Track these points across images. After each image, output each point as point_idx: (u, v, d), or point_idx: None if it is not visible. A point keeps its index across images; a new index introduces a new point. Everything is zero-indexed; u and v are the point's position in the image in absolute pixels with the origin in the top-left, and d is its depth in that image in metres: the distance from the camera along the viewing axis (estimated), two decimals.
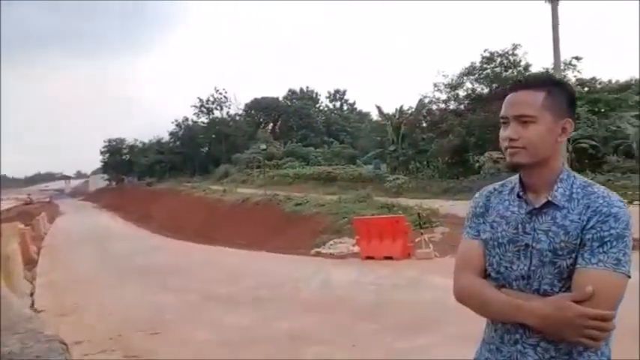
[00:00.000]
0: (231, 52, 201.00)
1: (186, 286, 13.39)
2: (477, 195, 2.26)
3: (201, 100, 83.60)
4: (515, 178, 2.12)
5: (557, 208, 1.95)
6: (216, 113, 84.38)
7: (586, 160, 27.95)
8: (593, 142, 28.60)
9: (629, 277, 1.86)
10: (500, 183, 2.21)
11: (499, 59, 36.13)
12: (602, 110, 32.77)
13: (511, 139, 1.99)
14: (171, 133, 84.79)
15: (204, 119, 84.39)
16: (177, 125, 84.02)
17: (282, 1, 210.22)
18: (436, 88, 38.47)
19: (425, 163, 41.15)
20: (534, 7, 44.05)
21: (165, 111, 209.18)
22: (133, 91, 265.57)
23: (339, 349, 7.47)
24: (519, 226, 2.01)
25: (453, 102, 38.59)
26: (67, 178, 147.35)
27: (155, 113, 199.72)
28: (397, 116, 45.15)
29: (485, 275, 2.08)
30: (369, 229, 15.58)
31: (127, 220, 47.67)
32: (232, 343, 8.08)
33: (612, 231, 1.85)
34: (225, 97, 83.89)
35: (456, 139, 34.67)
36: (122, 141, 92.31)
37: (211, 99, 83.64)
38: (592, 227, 1.87)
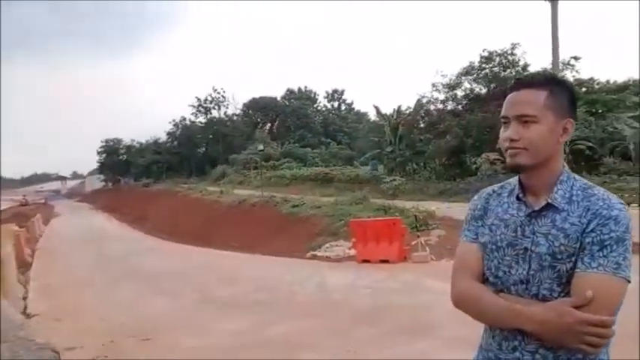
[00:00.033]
0: (230, 51, 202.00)
1: (180, 289, 13.34)
2: (475, 197, 2.22)
3: (199, 99, 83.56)
4: (514, 179, 2.08)
5: (556, 210, 1.91)
6: (214, 113, 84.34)
7: (582, 161, 27.93)
8: (590, 144, 28.56)
9: (629, 281, 1.82)
10: (499, 185, 2.16)
11: (498, 59, 36.10)
12: (600, 111, 32.79)
13: (512, 140, 1.94)
14: (169, 133, 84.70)
15: (201, 119, 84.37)
16: (174, 125, 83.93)
17: (280, 1, 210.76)
18: (434, 88, 38.47)
19: (422, 164, 41.20)
20: (533, 7, 44.08)
21: (163, 111, 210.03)
22: (131, 91, 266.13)
23: (335, 354, 7.39)
24: (518, 229, 1.96)
25: (451, 102, 38.57)
26: (63, 178, 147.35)
27: (153, 113, 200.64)
28: (395, 116, 45.14)
29: (484, 280, 2.03)
30: (365, 231, 15.52)
31: (122, 221, 47.59)
32: (225, 348, 7.98)
33: (612, 234, 1.82)
34: (223, 96, 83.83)
35: (454, 140, 34.63)
36: (119, 141, 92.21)
37: (209, 98, 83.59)
38: (592, 230, 1.84)
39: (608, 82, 38.62)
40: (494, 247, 2.01)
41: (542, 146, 1.91)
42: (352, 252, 16.24)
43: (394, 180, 35.61)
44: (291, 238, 22.46)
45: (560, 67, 27.04)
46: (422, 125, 41.48)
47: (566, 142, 2.04)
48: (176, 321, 10.12)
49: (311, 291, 11.94)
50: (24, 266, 18.45)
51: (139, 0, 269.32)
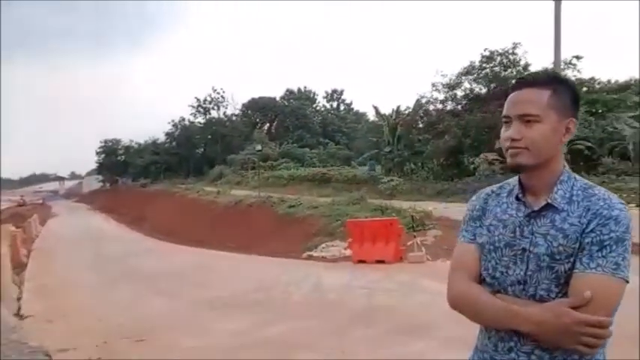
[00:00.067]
0: (230, 52, 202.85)
1: (176, 290, 13.31)
2: (473, 198, 2.20)
3: (198, 99, 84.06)
4: (513, 180, 2.06)
5: (556, 210, 1.89)
6: (213, 113, 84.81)
7: (581, 161, 27.92)
8: (589, 144, 28.55)
9: (628, 281, 1.80)
10: (498, 185, 2.14)
11: (499, 58, 36.09)
12: (600, 111, 32.81)
13: (513, 139, 1.91)
14: (167, 134, 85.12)
15: (200, 119, 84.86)
16: (173, 125, 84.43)
17: (280, 1, 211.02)
18: (434, 88, 38.56)
19: (420, 164, 41.18)
20: (534, 7, 44.10)
21: (162, 111, 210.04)
22: (130, 91, 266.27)
23: (331, 354, 7.36)
24: (517, 229, 1.94)
25: (450, 102, 38.61)
26: (61, 179, 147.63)
27: (152, 113, 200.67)
28: (394, 117, 45.21)
29: (481, 280, 2.01)
30: (362, 231, 15.48)
31: (119, 222, 47.64)
32: (222, 348, 7.94)
33: (612, 234, 1.79)
34: (222, 96, 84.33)
35: (452, 141, 34.69)
36: (118, 141, 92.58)
37: (208, 99, 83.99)
38: (592, 230, 1.81)
39: (609, 81, 38.69)
40: (492, 247, 1.99)
41: (544, 146, 1.89)
42: (348, 252, 16.24)
43: (392, 180, 35.66)
44: (288, 238, 22.50)
45: (562, 67, 26.97)
46: (421, 125, 41.59)
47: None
48: (172, 321, 10.08)
49: (307, 291, 11.91)
50: (19, 267, 18.41)
51: (139, 0, 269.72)
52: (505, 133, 1.94)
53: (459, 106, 37.78)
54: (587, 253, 1.79)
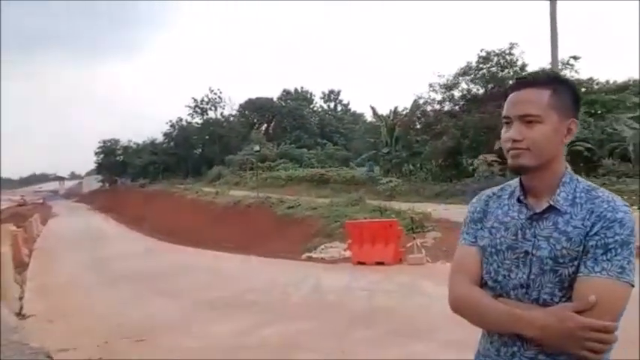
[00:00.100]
0: (226, 52, 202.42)
1: (176, 291, 13.31)
2: (474, 200, 2.17)
3: (195, 100, 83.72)
4: (514, 181, 2.04)
5: (559, 213, 1.86)
6: (211, 114, 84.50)
7: (581, 163, 27.87)
8: (589, 145, 28.48)
9: (633, 286, 1.78)
10: (499, 187, 2.12)
11: (496, 59, 36.01)
12: (599, 112, 32.71)
13: (514, 140, 1.89)
14: (165, 134, 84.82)
15: (198, 120, 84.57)
16: (171, 126, 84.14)
17: (276, 0, 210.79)
18: (431, 89, 38.33)
19: (418, 165, 41.08)
20: (531, 7, 43.97)
21: (160, 112, 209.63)
22: (129, 91, 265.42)
23: (331, 355, 7.38)
24: (519, 232, 1.92)
25: (448, 103, 38.46)
26: (61, 179, 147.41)
27: (150, 114, 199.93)
28: (391, 117, 45.08)
29: (482, 284, 1.99)
30: (361, 232, 15.46)
31: (119, 222, 47.50)
32: (221, 349, 7.96)
33: (617, 237, 1.77)
34: (219, 97, 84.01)
35: (450, 141, 34.57)
36: (116, 142, 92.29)
37: (206, 99, 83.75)
38: (596, 234, 1.79)
39: (607, 82, 38.59)
40: (493, 250, 1.96)
41: (546, 147, 1.87)
42: (347, 253, 16.19)
43: (390, 181, 35.56)
44: (287, 239, 22.45)
45: (560, 67, 26.94)
46: (418, 126, 41.43)
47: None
48: (172, 322, 10.09)
49: (306, 292, 11.91)
50: (21, 266, 18.46)
51: (137, 0, 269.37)
52: (506, 133, 1.93)
53: (457, 107, 37.60)
54: (591, 256, 1.77)
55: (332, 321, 9.22)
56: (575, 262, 1.79)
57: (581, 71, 35.86)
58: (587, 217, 1.82)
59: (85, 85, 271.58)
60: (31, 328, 10.06)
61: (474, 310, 1.95)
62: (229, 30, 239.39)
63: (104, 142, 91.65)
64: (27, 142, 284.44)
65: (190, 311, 10.92)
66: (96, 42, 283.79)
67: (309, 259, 17.48)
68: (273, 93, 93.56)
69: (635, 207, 16.73)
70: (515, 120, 1.90)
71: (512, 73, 34.30)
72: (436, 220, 19.70)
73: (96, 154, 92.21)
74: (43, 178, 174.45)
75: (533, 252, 1.86)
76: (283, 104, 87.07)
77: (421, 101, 40.01)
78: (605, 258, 1.76)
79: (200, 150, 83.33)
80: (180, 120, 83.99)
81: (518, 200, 1.96)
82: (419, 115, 41.05)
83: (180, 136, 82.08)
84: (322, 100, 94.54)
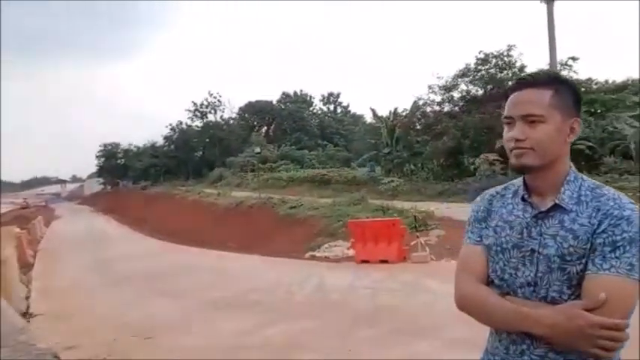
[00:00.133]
0: (226, 53, 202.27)
1: (179, 291, 13.33)
2: (478, 199, 2.16)
3: (195, 104, 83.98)
4: (518, 180, 2.04)
5: (564, 211, 1.86)
6: (210, 117, 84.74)
7: (582, 161, 27.83)
8: (590, 144, 28.47)
9: None
10: (502, 186, 2.12)
11: (494, 60, 35.99)
12: (599, 111, 32.69)
13: (517, 140, 1.89)
14: (166, 137, 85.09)
15: (198, 123, 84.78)
16: (171, 129, 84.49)
17: (275, 1, 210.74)
18: (431, 90, 38.27)
19: (419, 165, 41.11)
20: (529, 8, 43.81)
21: (160, 112, 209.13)
22: (129, 92, 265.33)
23: (335, 354, 7.38)
24: (524, 230, 1.91)
25: (447, 104, 38.42)
26: (62, 182, 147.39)
27: (150, 114, 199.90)
28: (391, 119, 45.01)
29: (488, 282, 1.98)
30: (364, 232, 15.44)
31: (122, 223, 47.47)
32: (225, 348, 7.97)
33: (625, 235, 1.76)
34: (219, 100, 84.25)
35: (451, 141, 34.56)
36: (117, 145, 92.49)
37: (205, 103, 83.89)
38: (603, 231, 1.78)
39: (606, 82, 38.54)
40: (499, 249, 1.96)
41: (549, 146, 1.87)
42: (351, 252, 16.17)
43: (392, 181, 35.57)
44: (289, 239, 22.45)
45: (558, 68, 26.94)
46: (418, 127, 41.39)
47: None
48: (176, 321, 10.13)
49: (310, 291, 11.89)
50: (26, 267, 18.65)
51: (137, 0, 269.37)
52: (508, 133, 1.92)
53: (457, 108, 37.61)
54: (599, 254, 1.77)
55: (336, 320, 9.21)
56: (583, 260, 1.79)
57: (580, 71, 35.92)
58: (594, 214, 1.82)
59: (84, 85, 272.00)
60: (38, 326, 10.17)
61: (480, 309, 1.95)
62: (229, 30, 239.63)
63: (105, 145, 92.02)
64: (27, 144, 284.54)
65: (194, 311, 10.94)
66: (96, 42, 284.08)
67: (313, 258, 17.47)
68: (273, 96, 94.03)
69: (639, 204, 16.78)
70: (517, 120, 1.90)
71: (510, 75, 34.26)
72: (439, 218, 19.71)
73: (97, 157, 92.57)
74: (45, 181, 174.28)
75: (540, 250, 1.86)
76: (283, 107, 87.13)
77: (421, 102, 39.98)
78: (613, 255, 1.75)
79: (200, 153, 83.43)
80: (181, 123, 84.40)
81: (523, 199, 1.96)
82: (419, 116, 41.00)
83: (181, 139, 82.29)
84: (322, 103, 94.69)
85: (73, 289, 15.07)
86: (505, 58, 35.78)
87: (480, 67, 36.34)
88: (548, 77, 1.97)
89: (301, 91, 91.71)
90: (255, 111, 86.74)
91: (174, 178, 74.69)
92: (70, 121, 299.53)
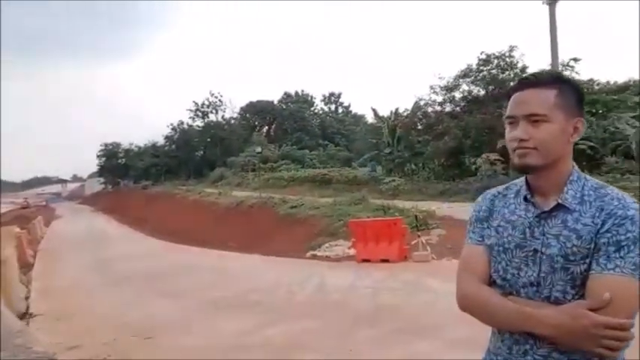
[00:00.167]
0: (226, 53, 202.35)
1: (180, 291, 13.30)
2: (479, 199, 2.15)
3: (196, 103, 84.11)
4: (520, 180, 2.03)
5: (567, 211, 1.85)
6: (212, 117, 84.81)
7: (584, 161, 27.81)
8: (591, 144, 28.46)
9: None
10: (504, 186, 2.11)
11: (496, 61, 35.98)
12: (601, 111, 32.68)
13: (521, 140, 1.87)
14: (167, 137, 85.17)
15: (199, 123, 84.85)
16: (172, 129, 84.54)
17: (276, 1, 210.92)
18: (432, 90, 38.27)
19: (421, 165, 41.12)
20: (531, 9, 43.95)
21: (160, 112, 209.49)
22: (129, 92, 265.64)
23: (336, 354, 7.36)
24: (527, 230, 1.90)
25: (448, 104, 38.42)
26: (63, 181, 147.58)
27: (150, 114, 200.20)
28: (392, 118, 45.03)
29: (491, 282, 1.97)
30: (365, 231, 15.43)
31: (122, 223, 47.53)
32: (224, 349, 7.95)
33: (629, 234, 1.75)
34: (220, 100, 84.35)
35: (452, 141, 34.56)
36: (118, 145, 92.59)
37: (206, 103, 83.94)
38: (607, 231, 1.77)
39: (608, 82, 38.52)
40: (501, 249, 1.96)
41: (553, 146, 1.86)
42: (352, 252, 16.17)
43: (393, 180, 35.58)
44: (290, 238, 22.44)
45: (560, 69, 26.89)
46: (420, 127, 41.38)
47: None
48: (175, 322, 10.10)
49: (311, 291, 11.87)
50: (26, 267, 18.64)
51: (137, 0, 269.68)
52: (511, 133, 1.91)
53: (458, 108, 37.61)
54: (603, 253, 1.76)
55: (337, 320, 9.19)
56: (587, 260, 1.78)
57: (581, 72, 35.90)
58: (597, 214, 1.81)
59: (84, 85, 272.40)
60: (38, 327, 10.14)
61: (482, 309, 1.94)
62: (230, 30, 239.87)
63: (105, 145, 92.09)
64: (28, 144, 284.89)
65: (194, 311, 10.92)
66: (96, 42, 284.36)
67: (314, 257, 17.49)
68: (274, 96, 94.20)
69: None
70: (521, 119, 1.89)
71: (512, 75, 34.27)
72: (440, 217, 19.70)
73: (98, 157, 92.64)
74: (46, 180, 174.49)
75: (543, 250, 1.85)
76: (284, 107, 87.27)
77: (422, 102, 39.96)
78: (617, 255, 1.74)
79: (201, 152, 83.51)
80: (182, 123, 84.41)
81: (525, 199, 1.95)
82: (420, 116, 40.98)
83: (182, 139, 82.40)
84: (323, 103, 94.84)
85: (73, 289, 15.06)
86: (507, 59, 35.77)
87: (481, 68, 36.34)
88: (552, 77, 1.96)
89: (302, 91, 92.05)
90: (257, 111, 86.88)
91: (175, 177, 74.82)
92: (70, 121, 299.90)
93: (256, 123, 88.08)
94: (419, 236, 14.99)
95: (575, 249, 1.79)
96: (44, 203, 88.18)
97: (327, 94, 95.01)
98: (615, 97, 33.21)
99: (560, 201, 1.86)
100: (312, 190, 40.52)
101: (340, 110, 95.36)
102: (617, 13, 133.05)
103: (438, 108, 38.72)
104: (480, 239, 2.04)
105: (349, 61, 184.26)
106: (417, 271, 12.92)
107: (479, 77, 36.38)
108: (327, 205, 26.27)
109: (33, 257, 22.53)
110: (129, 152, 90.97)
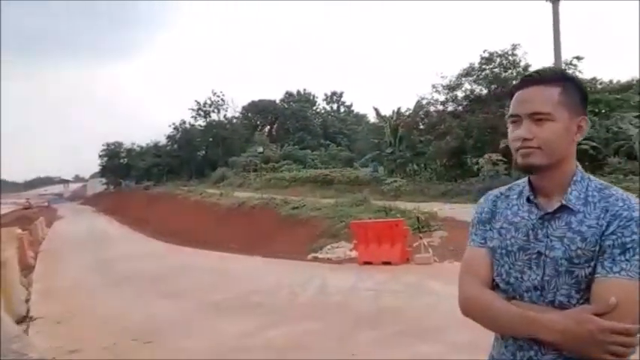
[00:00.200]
0: (227, 53, 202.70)
1: (182, 292, 13.27)
2: (481, 200, 2.11)
3: (198, 103, 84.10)
4: (522, 181, 1.98)
5: (571, 212, 1.81)
6: (214, 116, 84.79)
7: (587, 161, 27.74)
8: (594, 144, 28.37)
9: None
10: (506, 187, 2.07)
11: (498, 60, 35.90)
12: (603, 111, 32.59)
13: (524, 139, 1.83)
14: (169, 137, 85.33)
15: (201, 122, 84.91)
16: (174, 129, 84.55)
17: (278, 1, 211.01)
18: (434, 90, 38.20)
19: (422, 165, 41.07)
20: (534, 7, 43.86)
21: (161, 112, 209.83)
22: (129, 92, 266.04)
23: (337, 356, 7.33)
24: (530, 232, 1.86)
25: (451, 103, 38.34)
26: (65, 182, 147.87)
27: (153, 117, 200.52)
28: (394, 118, 44.98)
29: (494, 286, 1.94)
30: (366, 233, 15.36)
31: (123, 224, 47.59)
32: (226, 351, 7.93)
33: (635, 237, 1.71)
34: (222, 99, 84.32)
35: (454, 141, 34.51)
36: (120, 145, 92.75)
37: (209, 102, 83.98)
38: (612, 233, 1.73)
39: (610, 81, 38.44)
40: (504, 251, 1.92)
41: (557, 146, 1.82)
42: (353, 254, 16.11)
43: (395, 181, 35.55)
44: (292, 239, 22.42)
45: (563, 68, 26.82)
46: (422, 127, 41.33)
47: None
48: (176, 323, 10.06)
49: (312, 293, 11.84)
50: (27, 269, 18.60)
51: (137, 0, 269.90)
52: (514, 132, 1.87)
53: (460, 107, 37.53)
54: (608, 256, 1.72)
55: (338, 322, 9.16)
56: (592, 263, 1.74)
57: (584, 71, 35.82)
58: (602, 215, 1.77)
59: (84, 85, 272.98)
60: (38, 330, 10.11)
61: (485, 313, 1.90)
62: (230, 30, 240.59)
63: (108, 145, 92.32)
64: (29, 144, 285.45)
65: (195, 313, 10.89)
66: (96, 42, 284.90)
67: (315, 259, 17.43)
68: (276, 95, 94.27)
69: None
70: (524, 118, 1.85)
71: (515, 74, 34.19)
72: (442, 219, 19.59)
73: (100, 157, 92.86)
74: (48, 181, 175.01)
75: (547, 253, 1.81)
76: (286, 106, 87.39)
77: (424, 102, 39.89)
78: (623, 258, 1.70)
79: (203, 152, 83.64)
80: (184, 122, 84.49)
81: (528, 200, 1.91)
82: (422, 116, 40.94)
83: (184, 139, 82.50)
84: (325, 102, 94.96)
85: (73, 291, 15.03)
86: (509, 58, 35.67)
87: (484, 67, 36.25)
88: (555, 74, 1.92)
89: (304, 90, 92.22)
90: (259, 110, 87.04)
91: (176, 177, 74.99)
92: (71, 121, 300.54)
93: (258, 122, 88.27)
94: (421, 238, 14.94)
95: (579, 251, 1.76)
96: (46, 204, 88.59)
97: (329, 94, 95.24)
98: (618, 97, 33.11)
99: (563, 202, 1.82)
100: (314, 191, 40.51)
101: (342, 109, 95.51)
102: (618, 12, 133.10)
103: (440, 107, 38.66)
104: (483, 241, 2.00)
105: (351, 60, 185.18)
106: (418, 273, 12.88)
107: (481, 76, 36.30)
108: (328, 206, 26.21)
109: (34, 259, 22.56)
110: (131, 152, 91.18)
